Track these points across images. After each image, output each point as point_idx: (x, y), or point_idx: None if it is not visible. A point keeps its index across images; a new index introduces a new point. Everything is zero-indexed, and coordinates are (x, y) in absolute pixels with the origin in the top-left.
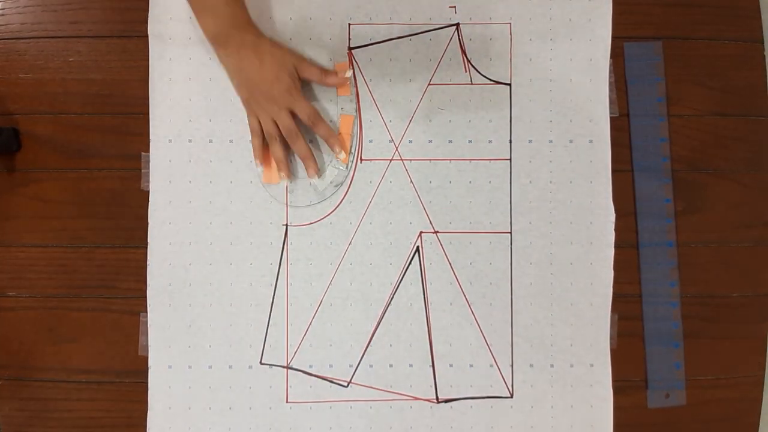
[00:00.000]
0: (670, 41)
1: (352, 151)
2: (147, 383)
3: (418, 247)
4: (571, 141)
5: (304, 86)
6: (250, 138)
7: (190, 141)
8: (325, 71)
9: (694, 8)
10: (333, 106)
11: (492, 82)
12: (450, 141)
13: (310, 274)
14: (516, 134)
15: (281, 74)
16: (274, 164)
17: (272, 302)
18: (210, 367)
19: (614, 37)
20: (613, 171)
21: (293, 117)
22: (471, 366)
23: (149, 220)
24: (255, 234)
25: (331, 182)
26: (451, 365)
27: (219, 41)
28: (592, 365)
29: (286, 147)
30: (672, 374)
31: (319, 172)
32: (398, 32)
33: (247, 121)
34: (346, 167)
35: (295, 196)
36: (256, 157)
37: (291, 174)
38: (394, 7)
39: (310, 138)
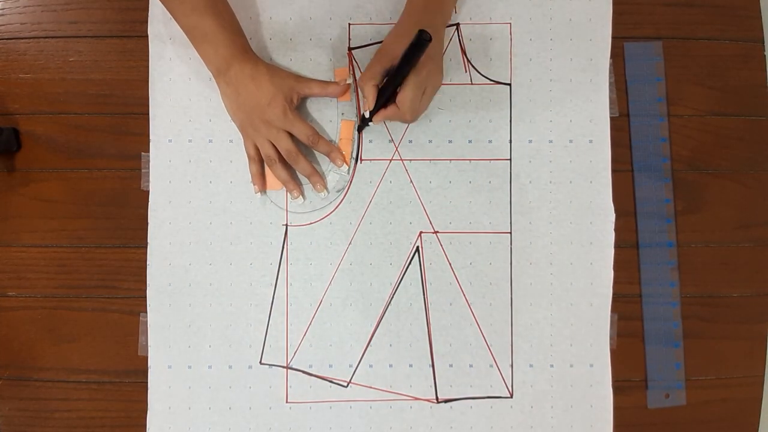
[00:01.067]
0: (670, 41)
1: (353, 155)
2: (147, 383)
3: (417, 247)
4: (571, 141)
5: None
6: None
7: (190, 141)
8: (325, 84)
9: (694, 8)
10: (334, 111)
11: (492, 82)
12: (450, 141)
13: (310, 274)
14: (516, 134)
15: (277, 97)
16: (272, 184)
17: (272, 302)
18: (210, 367)
19: (614, 37)
20: (613, 171)
21: (291, 138)
22: (471, 366)
23: (149, 220)
24: (255, 234)
25: (333, 187)
26: (450, 365)
27: (219, 70)
28: (591, 365)
29: (288, 167)
30: (672, 374)
31: (326, 184)
32: None
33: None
34: (347, 171)
35: (296, 203)
36: (255, 183)
37: (303, 192)
38: (394, 7)
39: (306, 151)
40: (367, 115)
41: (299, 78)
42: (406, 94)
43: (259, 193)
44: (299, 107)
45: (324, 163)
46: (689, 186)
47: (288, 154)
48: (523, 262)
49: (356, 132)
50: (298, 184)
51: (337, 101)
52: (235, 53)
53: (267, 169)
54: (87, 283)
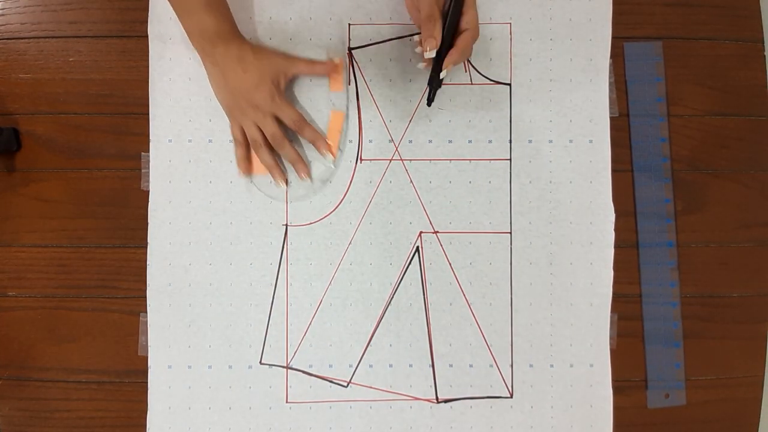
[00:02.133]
0: (670, 41)
1: (341, 148)
2: (147, 383)
3: (417, 247)
4: (571, 141)
5: (296, 85)
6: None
7: (190, 141)
8: (311, 63)
9: (694, 8)
10: (324, 102)
11: (492, 82)
12: (450, 141)
13: (310, 274)
14: (516, 134)
15: (264, 80)
16: (258, 168)
17: (272, 302)
18: (210, 367)
19: (614, 37)
20: (613, 171)
21: (278, 123)
22: (471, 366)
23: (149, 220)
24: (255, 234)
25: (317, 177)
26: (450, 365)
27: (205, 52)
28: (591, 365)
29: (273, 152)
30: (672, 374)
31: (310, 172)
32: (398, 32)
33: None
34: (333, 162)
35: (292, 189)
36: (240, 167)
37: (287, 178)
38: (394, 7)
39: (291, 138)
40: (432, 54)
41: (286, 58)
42: (472, 14)
43: (245, 177)
44: (288, 93)
45: (311, 153)
46: (689, 186)
47: (273, 138)
48: (523, 262)
49: (346, 123)
50: (283, 171)
51: (329, 92)
52: (220, 32)
53: (253, 154)
54: (87, 283)
